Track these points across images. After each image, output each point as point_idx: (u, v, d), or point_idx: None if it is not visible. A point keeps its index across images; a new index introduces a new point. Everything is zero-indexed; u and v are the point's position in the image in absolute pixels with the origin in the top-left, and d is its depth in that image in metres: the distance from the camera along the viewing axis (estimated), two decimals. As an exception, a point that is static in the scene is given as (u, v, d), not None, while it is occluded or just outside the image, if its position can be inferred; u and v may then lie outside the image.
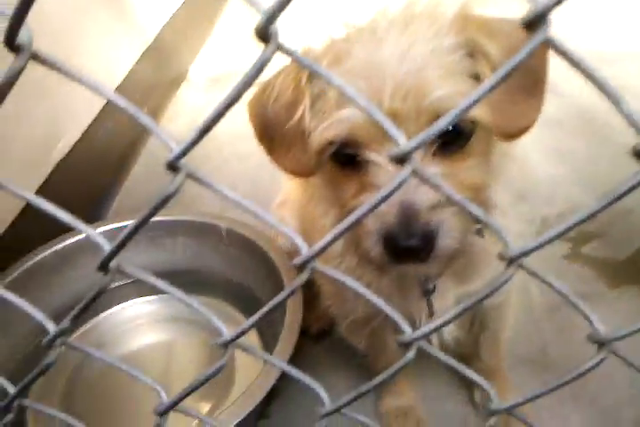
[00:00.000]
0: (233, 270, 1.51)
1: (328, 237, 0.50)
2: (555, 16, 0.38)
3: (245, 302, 1.50)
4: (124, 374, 1.32)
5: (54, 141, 1.76)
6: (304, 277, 0.53)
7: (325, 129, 0.77)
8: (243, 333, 0.58)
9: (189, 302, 0.60)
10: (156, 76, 2.52)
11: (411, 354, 0.58)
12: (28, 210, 1.59)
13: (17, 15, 0.38)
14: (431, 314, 1.00)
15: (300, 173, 0.89)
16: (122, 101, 0.48)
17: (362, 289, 0.57)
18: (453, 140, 0.77)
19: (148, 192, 2.13)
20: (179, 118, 2.61)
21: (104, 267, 0.55)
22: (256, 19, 0.38)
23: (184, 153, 0.46)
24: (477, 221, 0.50)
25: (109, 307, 1.57)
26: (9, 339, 1.35)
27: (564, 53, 0.42)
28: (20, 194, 0.53)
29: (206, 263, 1.53)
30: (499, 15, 0.80)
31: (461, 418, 1.29)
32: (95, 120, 1.97)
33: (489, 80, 0.41)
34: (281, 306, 1.24)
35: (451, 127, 0.75)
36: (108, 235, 1.47)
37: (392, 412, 1.29)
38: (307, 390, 0.64)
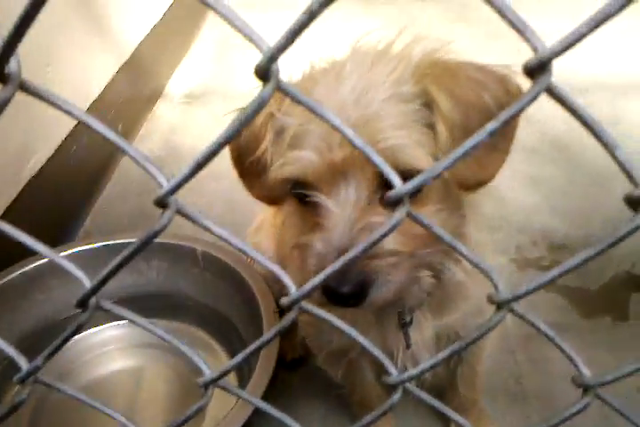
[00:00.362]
0: (208, 295, 1.48)
1: (318, 278, 0.49)
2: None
3: (220, 328, 1.46)
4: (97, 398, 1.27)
5: (26, 158, 1.71)
6: (291, 316, 0.52)
7: (280, 167, 0.79)
8: (225, 373, 0.56)
9: (169, 340, 0.57)
10: (132, 92, 2.49)
11: (397, 396, 0.56)
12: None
13: (8, 44, 0.37)
14: (408, 346, 1.00)
15: (268, 201, 0.92)
16: (112, 135, 0.46)
17: (347, 328, 0.56)
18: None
19: (121, 212, 2.09)
20: (153, 135, 2.58)
21: (83, 304, 0.52)
22: (256, 57, 0.37)
23: (174, 190, 0.45)
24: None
25: (79, 331, 1.51)
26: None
27: (564, 103, 0.41)
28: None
29: (180, 288, 1.50)
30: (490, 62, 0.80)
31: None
32: (69, 136, 1.93)
33: (479, 133, 0.41)
34: (255, 334, 1.22)
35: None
36: (77, 257, 1.44)
37: None
38: (282, 424, 0.62)
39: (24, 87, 0.43)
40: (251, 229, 1.43)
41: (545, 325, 0.57)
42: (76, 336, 1.50)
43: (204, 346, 1.45)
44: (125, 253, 0.49)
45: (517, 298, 0.50)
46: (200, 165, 0.44)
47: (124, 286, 1.47)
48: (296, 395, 1.37)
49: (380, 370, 1.18)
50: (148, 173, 0.47)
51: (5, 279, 1.38)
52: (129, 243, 1.44)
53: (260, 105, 0.41)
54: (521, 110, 0.41)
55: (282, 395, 1.31)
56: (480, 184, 0.77)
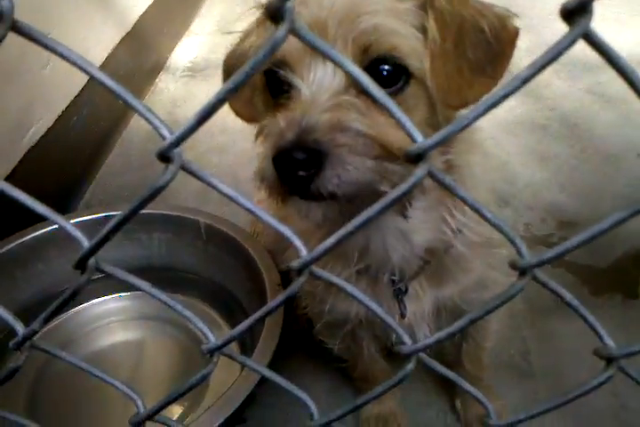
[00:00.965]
0: (211, 269, 1.45)
1: (330, 241, 0.47)
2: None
3: (223, 302, 1.44)
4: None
5: (26, 128, 1.68)
6: (302, 280, 0.49)
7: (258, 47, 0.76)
8: (230, 340, 0.53)
9: (172, 305, 0.55)
10: (134, 64, 2.44)
11: (410, 366, 0.54)
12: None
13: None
14: (403, 316, 0.97)
15: (250, 114, 0.86)
16: (108, 81, 0.43)
17: (360, 295, 0.53)
18: (384, 82, 0.72)
19: (122, 184, 2.06)
20: (155, 108, 2.51)
21: (81, 265, 0.49)
22: None
23: (178, 142, 0.42)
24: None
25: (78, 304, 1.49)
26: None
27: (601, 48, 0.38)
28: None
29: (183, 260, 1.48)
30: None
31: (443, 426, 1.26)
32: (70, 106, 1.90)
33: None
34: (260, 308, 1.20)
35: (385, 68, 0.71)
36: (78, 227, 1.40)
37: (373, 419, 1.26)
38: (283, 395, 0.60)
39: (17, 28, 0.39)
40: (255, 201, 1.40)
41: (570, 295, 0.54)
42: (77, 307, 1.48)
43: (207, 320, 1.42)
44: (126, 211, 0.46)
45: (542, 263, 0.47)
46: (207, 115, 0.40)
47: (126, 258, 1.45)
48: (301, 368, 1.36)
49: (381, 343, 1.16)
50: (151, 124, 0.43)
51: (4, 249, 1.35)
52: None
53: (272, 49, 0.37)
54: (559, 55, 0.38)
55: (286, 368, 1.29)
56: (462, 104, 0.74)
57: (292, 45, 0.69)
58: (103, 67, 2.14)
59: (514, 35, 0.74)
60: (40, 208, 0.49)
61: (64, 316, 1.47)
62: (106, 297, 1.51)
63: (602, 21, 2.98)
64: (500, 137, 2.23)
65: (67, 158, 1.89)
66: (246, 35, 0.87)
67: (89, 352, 1.40)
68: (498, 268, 0.98)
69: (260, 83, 0.79)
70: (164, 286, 1.47)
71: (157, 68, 2.78)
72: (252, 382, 1.04)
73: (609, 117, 2.34)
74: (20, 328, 0.54)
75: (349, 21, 0.69)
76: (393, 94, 0.73)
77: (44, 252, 1.40)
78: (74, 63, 0.43)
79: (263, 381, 1.05)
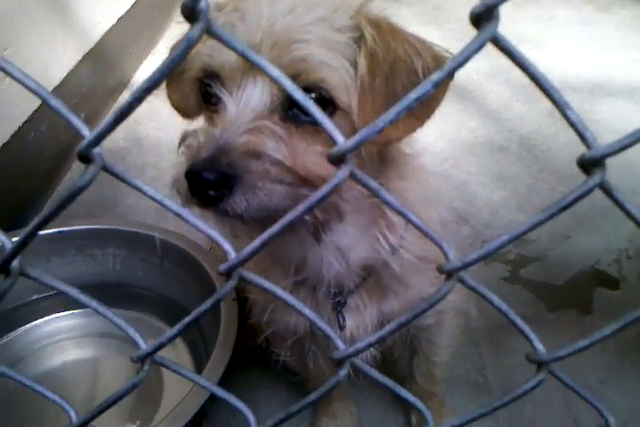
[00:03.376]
0: (166, 285, 1.43)
1: (255, 243, 0.47)
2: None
3: (179, 318, 1.41)
4: (34, 394, 1.22)
5: (-19, 144, 1.65)
6: (231, 284, 0.49)
7: (196, 56, 0.74)
8: (161, 345, 0.53)
9: (102, 312, 0.54)
10: (96, 82, 2.43)
11: (344, 371, 0.54)
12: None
13: None
14: (341, 328, 0.97)
15: (183, 112, 0.87)
16: (32, 83, 0.43)
17: (293, 301, 0.53)
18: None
19: (80, 200, 1.99)
20: (118, 126, 2.51)
21: (4, 268, 0.48)
22: None
23: (97, 141, 0.42)
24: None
25: (29, 321, 1.45)
26: None
27: (510, 53, 0.39)
28: None
29: (138, 277, 1.45)
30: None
31: (398, 441, 1.25)
32: (27, 122, 1.87)
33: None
34: (214, 323, 1.18)
35: (312, 96, 0.71)
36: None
37: None
38: (237, 413, 0.59)
39: None
40: None
41: (498, 299, 0.55)
42: (27, 325, 1.45)
43: (161, 336, 1.40)
44: (46, 212, 0.46)
45: (467, 265, 0.48)
46: (124, 114, 0.41)
47: (80, 274, 1.42)
48: (257, 383, 1.33)
49: (328, 356, 1.15)
50: (71, 124, 0.43)
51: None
52: (86, 229, 1.39)
53: (187, 47, 0.38)
54: (467, 59, 0.39)
55: (242, 382, 1.28)
56: (388, 142, 0.76)
57: (225, 59, 0.70)
58: (63, 84, 2.12)
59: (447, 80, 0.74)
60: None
61: (13, 333, 1.43)
62: (57, 314, 1.48)
63: (559, 46, 3.09)
64: (460, 157, 2.27)
65: (22, 174, 1.85)
66: None
67: (40, 370, 1.36)
68: (439, 284, 0.99)
69: (194, 86, 0.79)
70: (117, 302, 1.46)
71: (121, 86, 2.77)
72: (201, 398, 1.02)
73: (565, 139, 2.41)
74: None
75: (282, 47, 0.69)
76: (317, 124, 0.74)
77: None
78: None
79: (214, 397, 1.03)
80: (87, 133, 0.42)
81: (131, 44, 2.89)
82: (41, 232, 1.31)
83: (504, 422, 1.25)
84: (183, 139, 0.76)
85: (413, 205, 0.90)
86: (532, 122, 2.52)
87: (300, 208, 0.44)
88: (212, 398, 1.05)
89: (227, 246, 0.49)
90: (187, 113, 0.86)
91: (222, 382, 1.04)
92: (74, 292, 0.54)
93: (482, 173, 2.19)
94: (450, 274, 0.49)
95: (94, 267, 1.44)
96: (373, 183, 0.45)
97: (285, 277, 0.93)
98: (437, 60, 0.74)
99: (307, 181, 0.69)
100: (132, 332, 0.55)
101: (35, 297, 1.43)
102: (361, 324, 0.97)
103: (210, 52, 0.72)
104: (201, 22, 0.36)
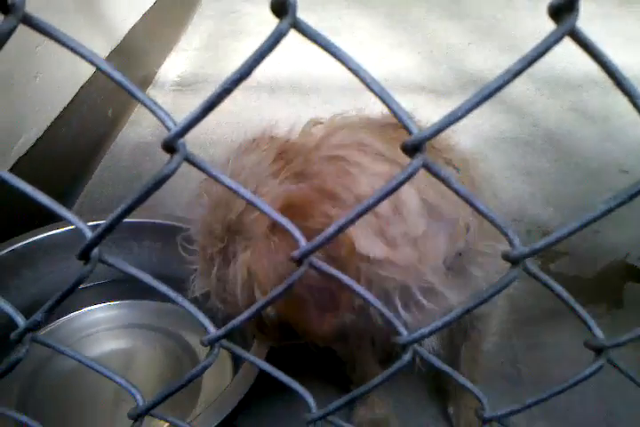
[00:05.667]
0: (201, 277, 1.45)
1: (330, 230, 0.48)
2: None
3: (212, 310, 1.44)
4: (84, 380, 1.25)
5: (15, 138, 1.68)
6: (302, 270, 0.51)
7: None
8: (230, 331, 0.54)
9: (174, 297, 0.56)
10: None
11: (407, 357, 0.55)
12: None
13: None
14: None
15: None
16: (115, 73, 0.45)
17: (357, 287, 0.55)
18: None
19: (111, 196, 2.06)
20: (144, 121, 2.54)
21: (85, 255, 0.50)
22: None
23: (183, 132, 0.43)
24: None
25: (68, 312, 1.48)
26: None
27: (587, 47, 0.40)
28: None
29: (174, 269, 1.47)
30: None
31: (435, 432, 1.27)
32: (59, 117, 1.90)
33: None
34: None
35: None
36: (66, 236, 1.41)
37: (365, 424, 1.26)
38: (277, 403, 0.61)
39: (27, 20, 0.41)
40: None
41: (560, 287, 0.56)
42: (66, 316, 1.47)
43: (197, 328, 1.42)
44: (129, 201, 0.47)
45: (535, 252, 0.49)
46: (212, 105, 0.42)
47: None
48: (294, 366, 1.34)
49: (378, 349, 1.17)
50: (156, 115, 0.45)
51: (-5, 255, 1.35)
52: (122, 222, 1.41)
53: (276, 40, 0.39)
54: (547, 50, 0.40)
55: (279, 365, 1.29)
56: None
57: None
58: (91, 80, 2.15)
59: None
60: (42, 198, 0.51)
61: (53, 324, 1.46)
62: (95, 306, 1.50)
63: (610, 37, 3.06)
64: (486, 152, 2.27)
65: (55, 169, 1.88)
66: None
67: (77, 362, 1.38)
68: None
69: None
70: (153, 293, 1.47)
71: (146, 82, 2.80)
72: (244, 388, 1.04)
73: (591, 134, 2.40)
74: (20, 320, 0.55)
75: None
76: None
77: (35, 259, 1.40)
78: (82, 55, 0.44)
79: (255, 387, 1.05)
80: (171, 125, 0.43)
81: (155, 40, 2.91)
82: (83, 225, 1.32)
83: (538, 414, 1.26)
84: None
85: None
86: (557, 116, 2.52)
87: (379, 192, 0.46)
88: (252, 389, 1.06)
89: (296, 233, 0.50)
90: None
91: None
92: (148, 278, 0.56)
93: (507, 167, 2.19)
94: (516, 261, 0.50)
95: (131, 259, 1.46)
96: (444, 172, 0.46)
97: None
98: None
99: None
100: (201, 317, 0.57)
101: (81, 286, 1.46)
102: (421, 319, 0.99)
103: None
104: (290, 17, 0.38)
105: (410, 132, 0.44)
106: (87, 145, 2.13)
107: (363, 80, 0.41)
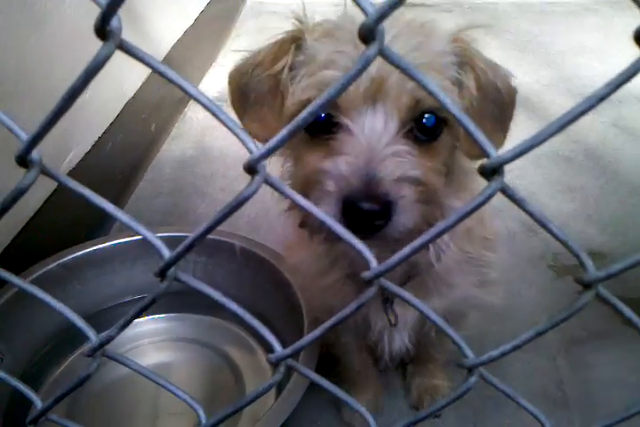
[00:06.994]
0: (245, 292, 1.46)
1: (402, 253, 0.48)
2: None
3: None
4: (128, 392, 1.26)
5: (65, 152, 1.73)
6: (372, 291, 0.51)
7: (308, 87, 0.77)
8: (299, 349, 0.55)
9: (242, 314, 0.57)
10: (165, 94, 2.51)
11: (473, 379, 0.55)
12: (32, 223, 1.55)
13: (112, 3, 0.37)
14: (392, 324, 1.02)
15: (263, 135, 0.85)
16: (205, 100, 0.46)
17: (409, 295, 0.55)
18: (425, 130, 0.78)
19: (154, 209, 2.09)
20: (185, 136, 2.59)
21: (162, 273, 0.52)
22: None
23: (267, 155, 0.44)
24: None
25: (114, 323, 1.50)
26: (13, 354, 1.29)
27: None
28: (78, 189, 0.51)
29: (217, 283, 1.49)
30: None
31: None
32: (106, 132, 1.95)
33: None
34: (295, 334, 1.20)
35: (430, 116, 0.76)
36: (117, 249, 1.44)
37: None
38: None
39: (123, 46, 0.43)
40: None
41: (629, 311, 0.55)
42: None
43: (241, 343, 1.44)
44: (211, 221, 0.48)
45: (609, 276, 0.49)
46: (296, 129, 0.43)
47: (162, 280, 1.46)
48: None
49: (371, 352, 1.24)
50: (239, 139, 0.46)
51: (43, 270, 1.38)
52: (168, 236, 1.44)
53: (364, 66, 0.40)
54: (635, 74, 0.40)
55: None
56: (482, 155, 0.79)
57: (350, 93, 0.73)
58: (136, 96, 2.20)
59: (515, 95, 0.84)
60: (123, 217, 0.52)
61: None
62: (140, 319, 1.52)
63: (619, 54, 3.03)
64: (525, 168, 2.25)
65: (101, 183, 1.93)
66: (266, 57, 0.89)
67: (124, 373, 1.39)
68: (482, 287, 1.03)
69: (288, 115, 0.80)
70: (197, 308, 1.50)
71: (186, 98, 2.85)
72: (287, 410, 1.04)
73: (632, 150, 2.36)
74: (92, 335, 0.56)
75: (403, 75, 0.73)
76: (433, 139, 0.79)
77: (81, 272, 1.43)
78: (172, 81, 0.45)
79: (297, 409, 1.05)
80: (253, 148, 0.45)
81: (194, 56, 2.97)
82: (127, 239, 1.35)
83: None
84: (288, 174, 0.84)
85: (478, 215, 0.92)
86: (598, 132, 2.49)
87: (453, 219, 0.46)
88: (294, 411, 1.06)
89: (367, 254, 0.50)
90: (265, 137, 0.86)
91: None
92: (217, 295, 0.57)
93: (548, 184, 2.17)
94: (589, 285, 0.50)
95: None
96: (518, 195, 0.46)
97: (340, 270, 0.97)
98: (507, 79, 0.84)
99: (434, 197, 0.76)
100: (267, 334, 0.57)
101: (116, 302, 1.48)
102: (402, 319, 1.02)
103: (326, 82, 0.75)
104: (377, 43, 0.39)
105: (487, 156, 0.44)
106: (131, 159, 2.18)
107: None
